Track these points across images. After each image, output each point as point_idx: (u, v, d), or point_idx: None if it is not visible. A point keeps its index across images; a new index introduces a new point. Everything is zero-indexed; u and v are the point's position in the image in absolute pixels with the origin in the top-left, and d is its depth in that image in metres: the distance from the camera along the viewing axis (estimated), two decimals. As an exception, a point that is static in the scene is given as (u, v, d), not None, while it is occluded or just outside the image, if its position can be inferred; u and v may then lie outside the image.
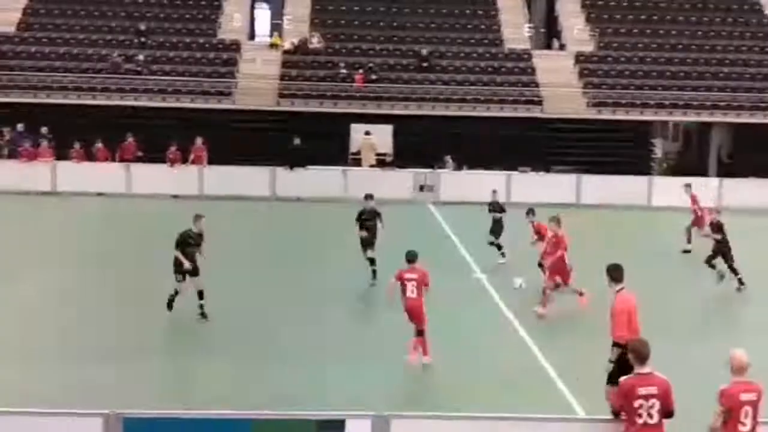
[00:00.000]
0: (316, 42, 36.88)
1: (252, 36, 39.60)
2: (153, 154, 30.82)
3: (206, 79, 34.74)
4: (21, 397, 10.96)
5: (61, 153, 30.82)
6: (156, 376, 13.06)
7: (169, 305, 15.39)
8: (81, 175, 29.86)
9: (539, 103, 34.98)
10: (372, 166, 32.07)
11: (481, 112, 34.33)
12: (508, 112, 34.47)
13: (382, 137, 32.90)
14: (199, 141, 31.06)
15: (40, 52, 35.50)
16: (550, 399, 12.09)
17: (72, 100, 33.57)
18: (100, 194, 29.18)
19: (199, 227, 15.69)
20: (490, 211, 20.97)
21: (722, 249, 18.35)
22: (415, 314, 13.17)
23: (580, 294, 16.32)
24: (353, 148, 33.10)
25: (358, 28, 38.09)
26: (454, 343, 14.07)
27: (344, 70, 35.32)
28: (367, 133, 32.54)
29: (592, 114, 34.91)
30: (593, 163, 31.97)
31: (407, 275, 13.19)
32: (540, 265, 17.48)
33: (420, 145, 32.45)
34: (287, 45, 36.86)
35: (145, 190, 29.08)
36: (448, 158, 32.41)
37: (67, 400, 9.76)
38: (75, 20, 37.11)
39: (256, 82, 35.07)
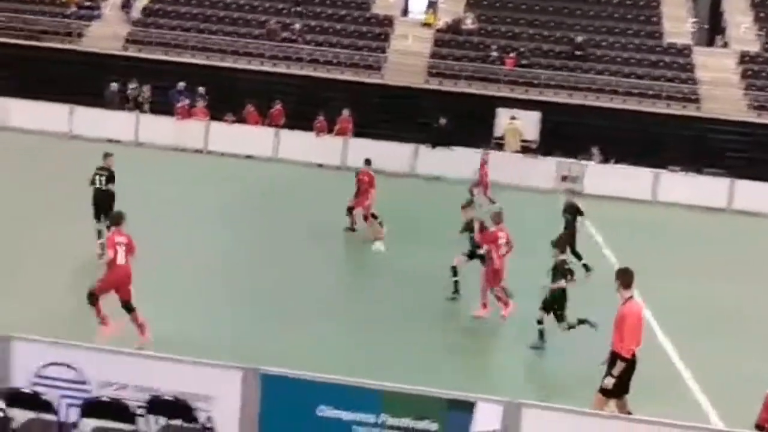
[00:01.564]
0: (469, 23, 36.65)
1: (405, 12, 39.65)
2: (300, 121, 31.51)
3: (357, 52, 35.10)
4: (173, 343, 11.41)
5: (215, 114, 31.87)
6: (316, 340, 13.25)
7: None
8: (232, 136, 30.80)
9: (696, 101, 33.65)
10: (516, 151, 31.70)
11: (633, 105, 33.36)
12: (662, 107, 33.34)
13: (528, 123, 32.41)
14: (345, 112, 31.50)
15: (201, 14, 36.71)
16: (685, 405, 11.71)
17: (228, 63, 34.60)
18: (248, 157, 30.03)
19: None
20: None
21: None
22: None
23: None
24: (498, 132, 32.76)
25: (512, 11, 37.60)
26: (588, 341, 13.77)
27: (495, 53, 34.96)
28: (513, 117, 32.15)
29: (752, 117, 33.32)
30: (749, 168, 30.58)
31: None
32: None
33: (567, 135, 31.82)
34: (440, 24, 36.80)
35: (292, 157, 29.75)
36: (595, 150, 31.66)
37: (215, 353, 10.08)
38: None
39: (407, 59, 35.16)
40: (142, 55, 34.75)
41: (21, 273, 14.99)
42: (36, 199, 20.24)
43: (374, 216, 19.80)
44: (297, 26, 35.69)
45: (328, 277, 17.10)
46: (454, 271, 15.67)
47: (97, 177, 16.52)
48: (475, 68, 34.55)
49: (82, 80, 32.86)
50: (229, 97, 32.55)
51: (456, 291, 15.70)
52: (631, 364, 9.92)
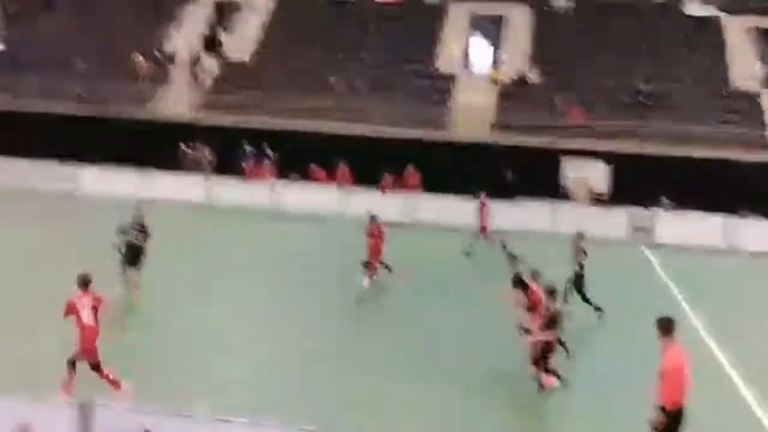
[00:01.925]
0: (533, 76, 36.72)
1: (468, 67, 39.93)
2: (366, 179, 31.74)
3: (422, 109, 35.35)
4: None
5: (282, 173, 32.30)
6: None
7: None
8: (299, 195, 31.15)
9: (766, 146, 32.99)
10: (584, 203, 31.40)
11: (702, 152, 32.79)
12: (731, 154, 32.72)
13: (596, 174, 32.15)
14: (411, 169, 31.66)
15: (268, 77, 37.47)
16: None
17: (294, 123, 35.07)
18: (315, 215, 30.30)
19: None
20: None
21: None
22: None
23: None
24: (566, 184, 32.52)
25: (576, 62, 37.54)
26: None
27: (561, 105, 34.89)
28: (581, 169, 31.93)
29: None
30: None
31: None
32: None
33: (636, 184, 31.40)
34: (504, 77, 36.93)
35: (358, 214, 29.85)
36: (665, 199, 31.17)
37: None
38: (303, 47, 38.94)
39: (471, 113, 35.27)
40: (211, 118, 35.53)
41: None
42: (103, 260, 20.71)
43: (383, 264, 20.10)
44: (361, 85, 36.14)
45: (405, 335, 16.96)
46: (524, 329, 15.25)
47: (132, 231, 17.66)
48: (540, 120, 34.47)
49: (154, 145, 33.73)
50: (296, 156, 33.02)
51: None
52: (676, 416, 9.57)
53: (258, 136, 34.03)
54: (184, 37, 39.93)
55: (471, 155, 33.16)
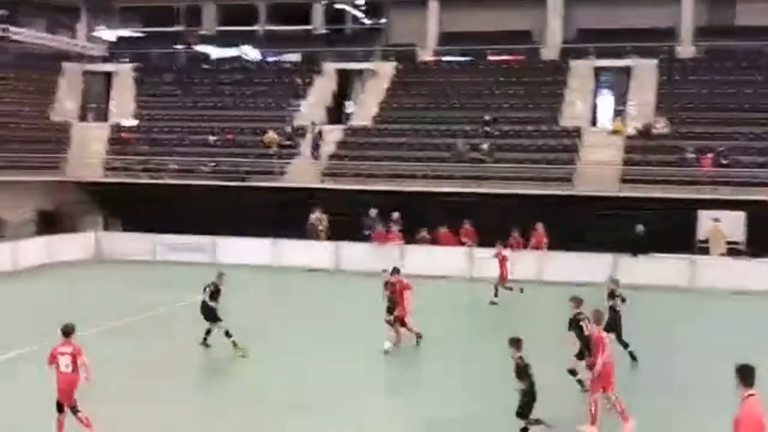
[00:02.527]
0: (660, 126, 35.90)
1: (594, 122, 39.46)
2: (495, 239, 31.48)
3: (548, 166, 35.01)
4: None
5: (409, 236, 32.49)
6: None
7: None
8: (427, 258, 31.19)
9: None
10: (722, 254, 30.17)
11: None
12: None
13: (732, 224, 30.88)
14: (539, 227, 31.28)
15: (394, 143, 38.06)
16: None
17: (419, 187, 35.37)
18: (443, 277, 30.24)
19: None
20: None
21: None
22: None
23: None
24: (701, 236, 31.38)
25: (706, 111, 36.53)
26: None
27: (691, 155, 33.87)
28: (716, 219, 30.77)
29: None
30: None
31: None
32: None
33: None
34: (630, 130, 36.24)
35: (487, 275, 29.63)
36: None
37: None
38: (425, 113, 39.44)
39: (598, 168, 34.65)
40: (338, 186, 36.23)
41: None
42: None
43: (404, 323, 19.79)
44: (485, 146, 36.19)
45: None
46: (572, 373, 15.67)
47: (205, 289, 19.17)
48: (670, 171, 33.53)
49: (284, 214, 34.62)
50: (422, 219, 33.16)
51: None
52: None
53: (384, 201, 34.40)
54: (310, 109, 41.09)
55: (599, 210, 32.47)
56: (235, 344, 18.78)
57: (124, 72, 44.69)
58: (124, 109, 42.77)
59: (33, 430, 13.71)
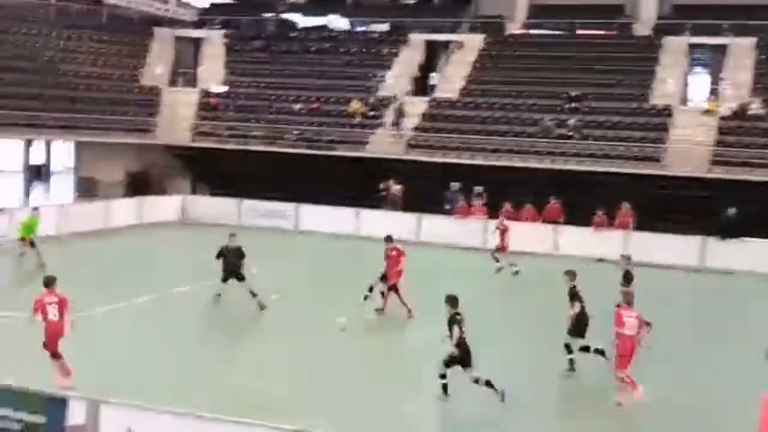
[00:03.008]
0: (755, 107, 34.77)
1: (685, 101, 38.44)
2: (578, 217, 31.11)
3: (636, 144, 34.30)
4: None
5: (492, 212, 32.27)
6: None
7: None
8: (511, 234, 30.87)
9: None
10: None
11: None
12: None
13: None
14: (626, 206, 30.72)
15: (479, 117, 37.77)
16: None
17: (504, 162, 35.08)
18: (526, 253, 29.97)
19: None
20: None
21: None
22: None
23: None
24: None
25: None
26: None
27: (787, 137, 32.78)
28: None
29: None
30: None
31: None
32: None
33: None
34: (724, 110, 35.18)
35: (570, 252, 29.31)
36: None
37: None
38: (512, 87, 39.00)
39: (688, 148, 33.81)
40: (420, 158, 36.16)
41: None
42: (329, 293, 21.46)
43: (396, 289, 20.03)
44: (572, 122, 35.62)
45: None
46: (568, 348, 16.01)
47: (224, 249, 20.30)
48: (765, 154, 32.50)
49: (367, 184, 34.75)
50: (506, 195, 32.91)
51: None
52: None
53: (467, 174, 34.22)
54: (396, 80, 41.02)
55: (688, 191, 31.73)
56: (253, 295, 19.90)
57: (214, 38, 45.26)
58: (213, 75, 43.36)
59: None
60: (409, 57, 42.30)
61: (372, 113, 39.04)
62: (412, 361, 16.86)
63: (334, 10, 45.98)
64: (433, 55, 42.73)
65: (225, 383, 14.68)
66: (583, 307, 15.92)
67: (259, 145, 38.17)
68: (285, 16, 46.74)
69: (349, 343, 17.72)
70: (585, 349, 16.08)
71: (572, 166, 34.12)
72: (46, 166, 51.33)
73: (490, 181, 33.61)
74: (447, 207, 33.67)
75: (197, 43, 45.51)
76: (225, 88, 42.13)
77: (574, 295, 15.98)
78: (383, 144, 37.43)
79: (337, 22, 44.96)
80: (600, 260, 27.14)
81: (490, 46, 41.50)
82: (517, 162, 34.81)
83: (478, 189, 33.33)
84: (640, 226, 30.24)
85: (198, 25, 47.73)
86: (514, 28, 43.25)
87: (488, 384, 13.90)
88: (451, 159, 35.64)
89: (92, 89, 40.46)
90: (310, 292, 22.53)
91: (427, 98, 39.85)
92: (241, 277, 20.14)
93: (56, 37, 42.20)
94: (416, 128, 37.88)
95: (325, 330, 18.20)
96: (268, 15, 47.21)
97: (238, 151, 38.12)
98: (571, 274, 16.25)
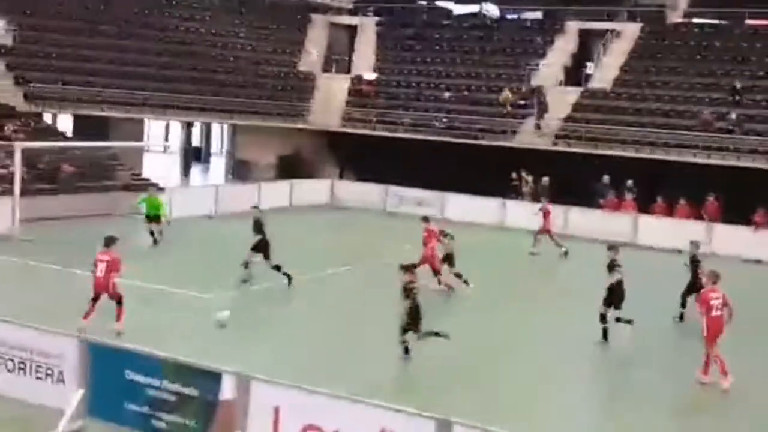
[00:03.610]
0: None
1: None
2: (736, 215, 29.75)
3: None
4: None
5: (643, 206, 31.31)
6: None
7: None
8: (662, 230, 29.93)
9: None
10: None
11: None
12: None
13: None
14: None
15: (633, 108, 36.64)
16: None
17: (658, 155, 33.91)
18: (678, 251, 28.87)
19: None
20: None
21: None
22: None
23: None
24: None
25: None
26: None
27: None
28: None
29: None
30: None
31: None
32: None
33: None
34: None
35: (726, 251, 28.04)
36: None
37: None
38: (669, 77, 37.61)
39: None
40: (571, 149, 35.44)
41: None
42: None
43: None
44: (733, 116, 34.01)
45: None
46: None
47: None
48: None
49: (509, 175, 34.42)
50: (659, 189, 31.83)
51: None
52: None
53: (617, 167, 33.29)
54: (548, 69, 40.34)
55: None
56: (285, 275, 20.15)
57: (367, 25, 45.76)
58: (365, 62, 43.88)
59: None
60: (563, 46, 41.47)
61: (523, 102, 38.54)
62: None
63: (489, -3, 45.56)
64: (587, 43, 41.70)
65: (382, 366, 14.86)
66: (620, 281, 16.76)
67: (407, 133, 38.40)
68: (439, 3, 46.70)
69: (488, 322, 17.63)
70: (618, 320, 16.97)
71: (731, 161, 32.59)
72: (205, 148, 53.59)
73: (641, 174, 32.58)
74: (598, 200, 32.87)
75: (351, 30, 46.14)
76: (375, 75, 42.57)
77: (612, 268, 16.89)
78: (532, 134, 36.89)
79: (491, 9, 44.54)
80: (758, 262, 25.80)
81: (649, 36, 40.10)
82: (673, 156, 33.58)
83: (629, 183, 32.38)
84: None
85: (353, 12, 48.37)
86: (675, 17, 41.61)
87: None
88: (602, 151, 34.75)
89: (250, 74, 41.74)
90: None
91: (579, 88, 38.96)
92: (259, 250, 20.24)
93: (219, 24, 43.76)
94: (567, 119, 37.12)
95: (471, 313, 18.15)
96: (422, 2, 47.31)
97: (387, 137, 38.49)
98: (614, 249, 17.29)
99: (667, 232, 29.61)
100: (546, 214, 27.45)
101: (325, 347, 16.17)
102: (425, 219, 22.20)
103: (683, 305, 19.17)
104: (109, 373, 10.88)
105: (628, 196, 32.03)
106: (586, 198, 32.71)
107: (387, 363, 15.05)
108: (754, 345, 17.39)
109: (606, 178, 33.11)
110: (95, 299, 15.52)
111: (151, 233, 24.96)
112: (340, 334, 17.20)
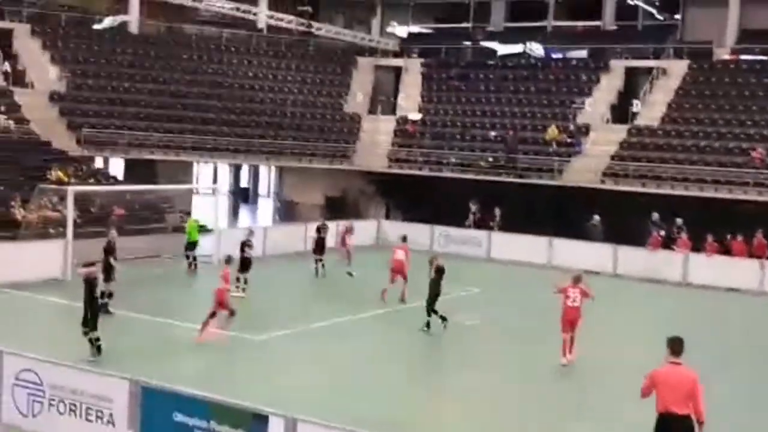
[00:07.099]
0: None
1: None
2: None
3: None
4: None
5: (695, 244, 30.88)
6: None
7: None
8: (714, 268, 29.45)
9: None
10: None
11: None
12: None
13: None
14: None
15: (682, 145, 36.32)
16: None
17: (708, 193, 33.49)
18: (732, 290, 28.43)
19: None
20: None
21: None
22: None
23: None
24: None
25: None
26: None
27: None
28: None
29: None
30: None
31: None
32: None
33: None
34: None
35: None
36: None
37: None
38: (718, 114, 37.28)
39: None
40: (618, 187, 35.15)
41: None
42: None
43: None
44: (780, 152, 33.55)
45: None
46: None
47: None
48: None
49: (562, 214, 34.12)
50: (710, 227, 31.37)
51: None
52: None
53: (665, 204, 32.91)
54: (595, 107, 40.20)
55: None
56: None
57: (413, 66, 46.08)
58: (411, 103, 44.16)
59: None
60: (609, 84, 41.34)
61: (570, 140, 38.41)
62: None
63: (533, 37, 45.73)
64: (633, 81, 41.51)
65: (422, 413, 14.78)
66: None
67: (453, 172, 38.45)
68: (483, 44, 46.96)
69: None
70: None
71: (782, 198, 32.09)
72: (252, 189, 54.20)
73: (689, 211, 32.17)
74: (652, 236, 32.40)
75: (397, 71, 46.53)
76: (420, 116, 42.79)
77: None
78: (580, 172, 36.68)
79: (536, 49, 44.67)
80: None
81: (696, 73, 39.85)
82: (723, 193, 33.15)
83: (679, 220, 31.98)
84: None
85: (398, 53, 48.81)
86: (722, 54, 41.31)
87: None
88: (650, 189, 34.44)
89: (296, 117, 42.26)
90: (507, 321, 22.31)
91: (626, 126, 38.75)
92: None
93: (266, 68, 44.46)
94: (614, 156, 36.89)
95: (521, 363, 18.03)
96: (467, 43, 47.60)
97: (432, 177, 38.56)
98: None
99: (719, 271, 29.14)
100: (343, 234, 29.54)
101: (381, 387, 16.07)
102: (404, 239, 24.76)
103: None
104: (159, 416, 11.00)
105: (682, 235, 31.55)
106: (637, 236, 32.25)
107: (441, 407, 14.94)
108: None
109: (655, 216, 32.74)
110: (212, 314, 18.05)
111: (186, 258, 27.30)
112: (386, 378, 17.10)
